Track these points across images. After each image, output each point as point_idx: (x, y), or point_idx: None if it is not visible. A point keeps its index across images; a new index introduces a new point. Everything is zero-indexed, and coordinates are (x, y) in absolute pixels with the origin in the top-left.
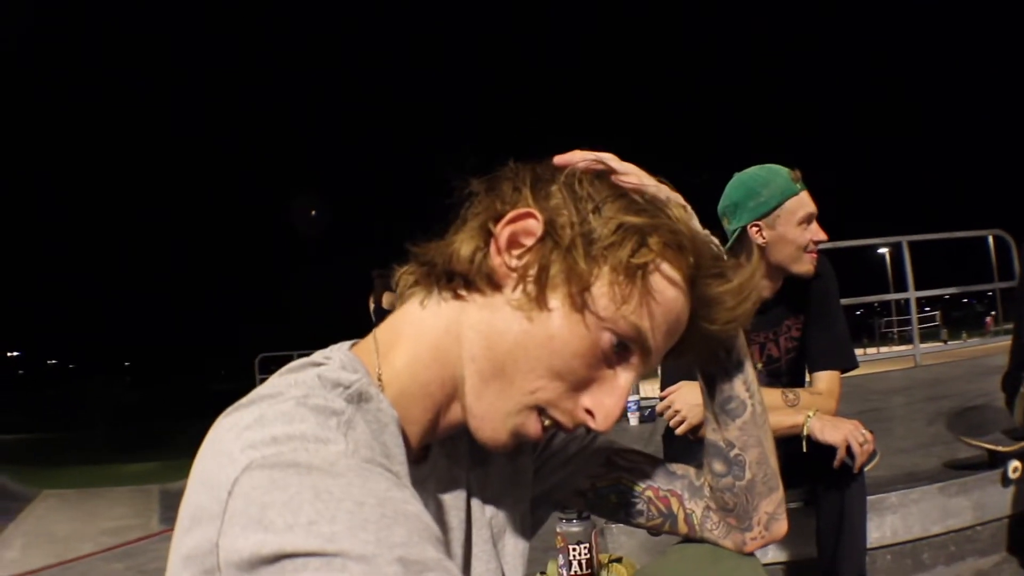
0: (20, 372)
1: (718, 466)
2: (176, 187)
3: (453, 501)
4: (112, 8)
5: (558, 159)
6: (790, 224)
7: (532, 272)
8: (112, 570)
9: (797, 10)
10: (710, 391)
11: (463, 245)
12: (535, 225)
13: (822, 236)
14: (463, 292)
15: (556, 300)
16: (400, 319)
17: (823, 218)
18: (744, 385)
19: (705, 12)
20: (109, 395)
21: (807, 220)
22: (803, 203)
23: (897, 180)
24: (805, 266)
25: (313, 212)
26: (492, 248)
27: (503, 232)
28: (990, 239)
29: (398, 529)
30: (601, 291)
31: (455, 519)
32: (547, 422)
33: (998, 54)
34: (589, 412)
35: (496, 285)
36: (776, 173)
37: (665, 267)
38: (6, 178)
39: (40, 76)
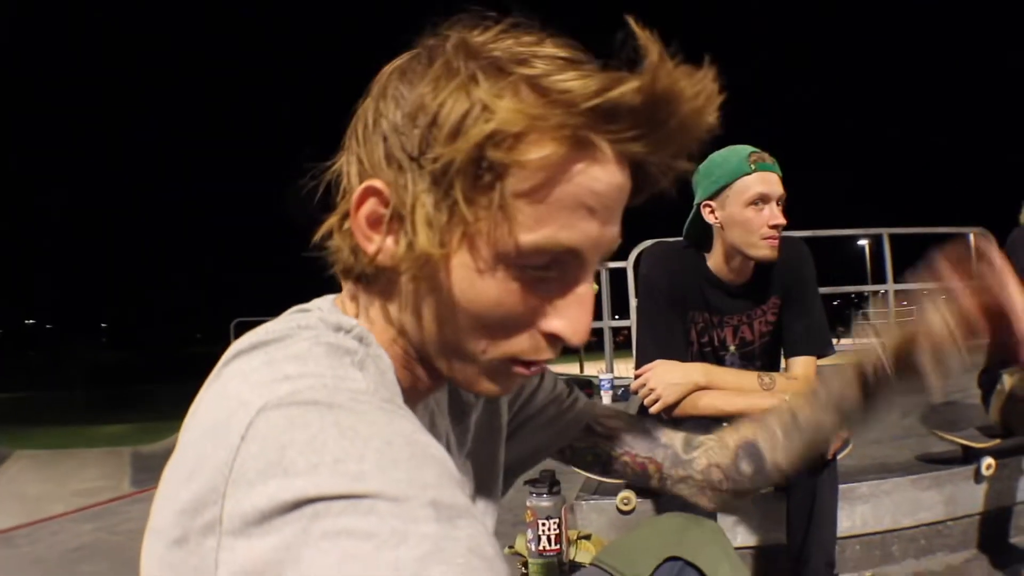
0: None
1: (746, 468)
2: (159, 149)
3: None
4: None
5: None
6: (738, 204)
7: (400, 247)
8: (82, 531)
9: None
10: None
11: (339, 245)
12: (376, 203)
13: (779, 220)
14: (369, 286)
15: (440, 267)
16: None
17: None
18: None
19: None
20: (85, 356)
21: (758, 201)
22: (753, 184)
23: (879, 175)
24: (761, 251)
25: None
26: (361, 242)
27: (358, 222)
28: (971, 236)
29: (428, 470)
30: (471, 235)
31: None
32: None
33: (989, 53)
34: (557, 336)
35: (390, 272)
36: (734, 153)
37: (526, 149)
38: None
39: (30, 48)
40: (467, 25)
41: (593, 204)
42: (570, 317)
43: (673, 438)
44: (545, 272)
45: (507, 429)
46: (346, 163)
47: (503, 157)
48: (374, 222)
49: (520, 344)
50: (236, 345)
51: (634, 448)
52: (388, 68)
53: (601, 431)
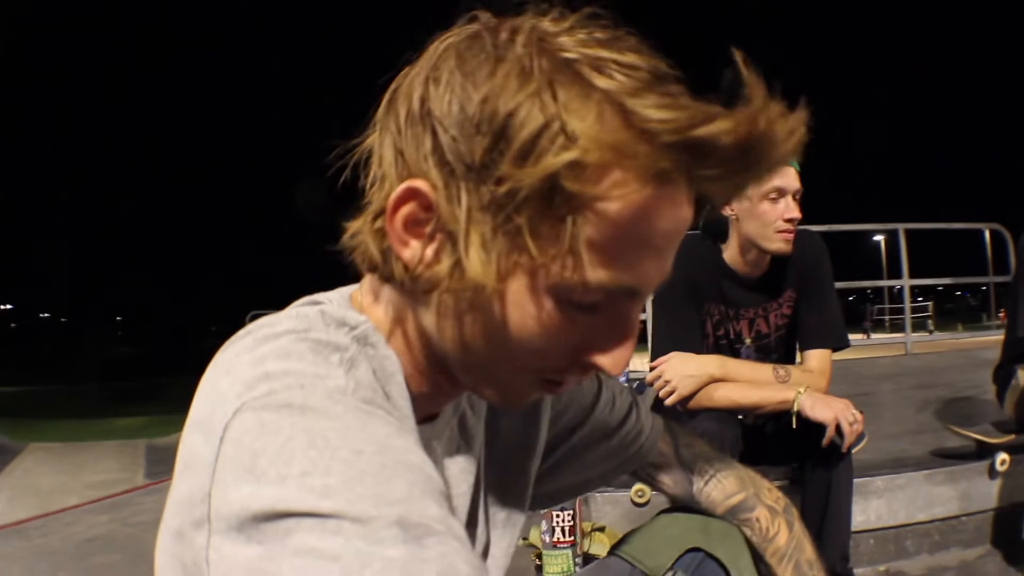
0: (12, 325)
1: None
2: (177, 147)
3: (466, 464)
4: None
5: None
6: (754, 197)
7: (444, 264)
8: (96, 522)
9: None
10: None
11: (368, 242)
12: (417, 206)
13: (794, 213)
14: (396, 288)
15: (487, 289)
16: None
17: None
18: None
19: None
20: (100, 350)
21: (773, 194)
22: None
23: (896, 171)
24: (775, 244)
25: (315, 184)
26: (395, 246)
27: (394, 224)
28: (987, 233)
29: (398, 482)
30: (528, 263)
31: (464, 483)
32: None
33: (1008, 47)
34: (594, 365)
35: (422, 280)
36: None
37: (607, 185)
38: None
39: (39, 47)
40: (536, 11)
41: (660, 244)
42: (613, 353)
43: (703, 492)
44: (596, 308)
45: (556, 455)
46: (378, 144)
47: (582, 190)
48: (412, 225)
49: (554, 366)
50: (236, 334)
51: (668, 490)
52: (440, 43)
53: (646, 476)
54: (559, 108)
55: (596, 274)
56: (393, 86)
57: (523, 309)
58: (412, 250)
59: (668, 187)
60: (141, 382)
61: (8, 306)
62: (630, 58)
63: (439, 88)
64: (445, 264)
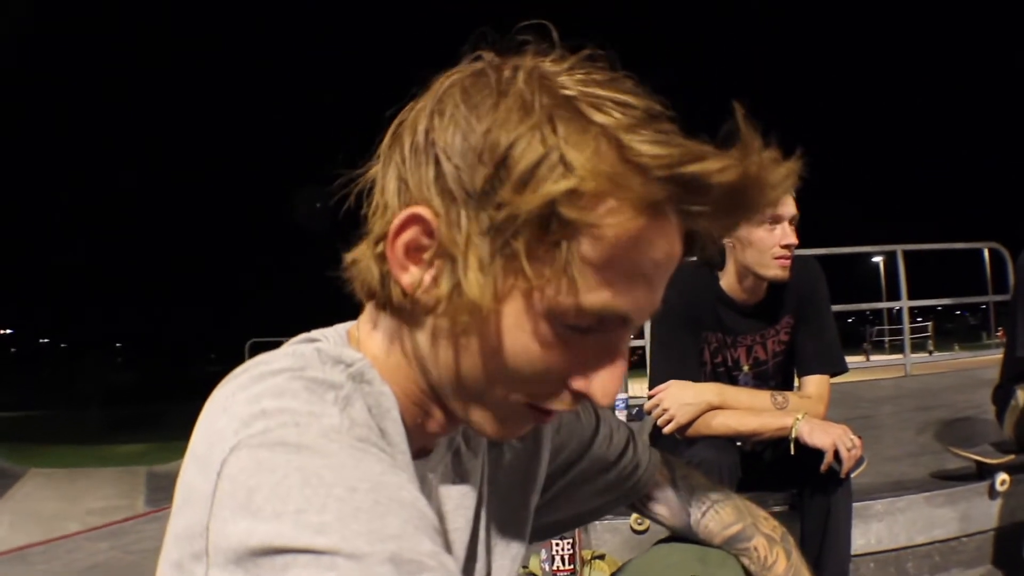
0: (12, 350)
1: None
2: (174, 171)
3: (462, 499)
4: None
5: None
6: (751, 224)
7: (443, 287)
8: (97, 549)
9: (797, 12)
10: None
11: (368, 268)
12: (419, 232)
13: (791, 240)
14: (394, 314)
15: (484, 316)
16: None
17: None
18: None
19: (700, 12)
20: (100, 375)
21: (771, 221)
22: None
23: (894, 191)
24: (772, 271)
25: (318, 205)
26: (395, 271)
27: (395, 250)
28: (985, 252)
29: (392, 519)
30: (528, 290)
31: (462, 518)
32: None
33: (1006, 68)
34: (583, 394)
35: (420, 307)
36: None
37: (601, 213)
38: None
39: (38, 61)
40: (537, 51)
41: (651, 273)
42: (602, 382)
43: (700, 523)
44: (587, 332)
45: (555, 488)
46: (381, 175)
47: (577, 217)
48: (413, 251)
49: (544, 394)
50: (233, 371)
51: (666, 522)
52: (446, 80)
53: (644, 508)
54: (558, 140)
55: (589, 298)
56: (398, 120)
57: (517, 332)
58: (411, 275)
59: (660, 219)
60: (141, 408)
61: (8, 331)
62: (626, 97)
63: (443, 120)
64: (444, 287)
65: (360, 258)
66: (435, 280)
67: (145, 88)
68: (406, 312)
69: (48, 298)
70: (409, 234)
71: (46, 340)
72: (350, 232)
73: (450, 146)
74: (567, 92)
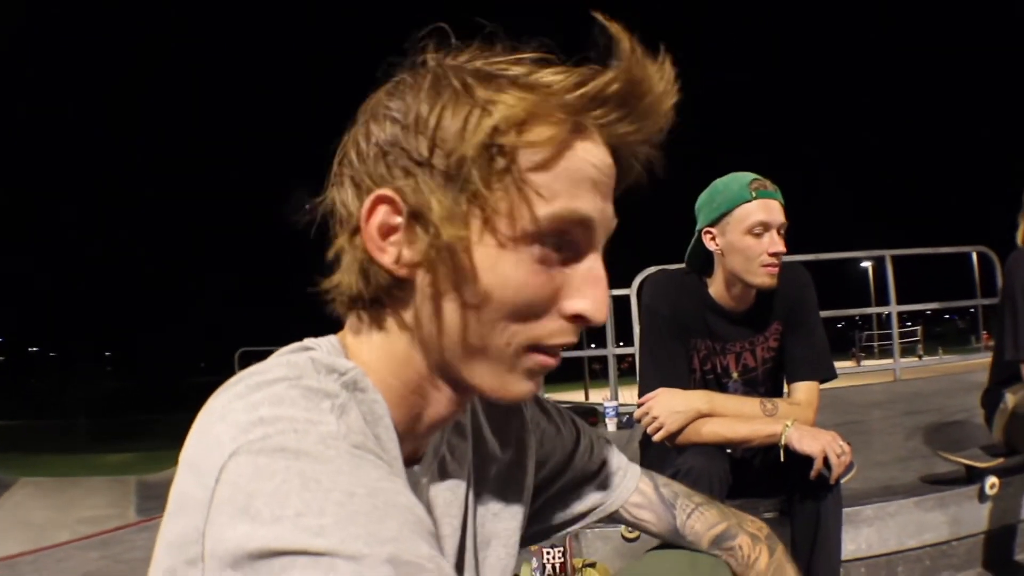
0: (1, 359)
1: None
2: (164, 182)
3: (447, 507)
4: None
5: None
6: (737, 232)
7: (420, 244)
8: (87, 559)
9: (784, 16)
10: None
11: (347, 273)
12: (389, 212)
13: (779, 247)
14: (386, 309)
15: (463, 256)
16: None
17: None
18: None
19: (693, 14)
20: (90, 385)
21: (758, 229)
22: (753, 211)
23: (882, 195)
24: (760, 278)
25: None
26: (375, 255)
27: (370, 234)
28: (974, 255)
29: (390, 523)
30: (492, 218)
31: (448, 526)
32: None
33: (992, 71)
34: (578, 317)
35: (407, 283)
36: (735, 180)
37: (532, 137)
38: None
39: (33, 66)
40: (439, 49)
41: (595, 178)
42: (590, 296)
43: (686, 524)
44: (560, 249)
45: (540, 499)
46: (337, 192)
47: (513, 140)
48: (386, 232)
49: (544, 328)
50: (229, 380)
51: (652, 527)
52: (372, 97)
53: (627, 518)
54: (478, 95)
55: (547, 207)
56: (341, 144)
57: (497, 266)
58: (389, 254)
59: (583, 132)
60: (130, 417)
61: None
62: (522, 56)
63: (378, 122)
64: (421, 244)
65: (335, 268)
66: (412, 244)
67: (144, 93)
68: (393, 296)
69: (38, 307)
70: (379, 216)
71: (35, 349)
72: (321, 261)
73: (390, 136)
74: (473, 65)
